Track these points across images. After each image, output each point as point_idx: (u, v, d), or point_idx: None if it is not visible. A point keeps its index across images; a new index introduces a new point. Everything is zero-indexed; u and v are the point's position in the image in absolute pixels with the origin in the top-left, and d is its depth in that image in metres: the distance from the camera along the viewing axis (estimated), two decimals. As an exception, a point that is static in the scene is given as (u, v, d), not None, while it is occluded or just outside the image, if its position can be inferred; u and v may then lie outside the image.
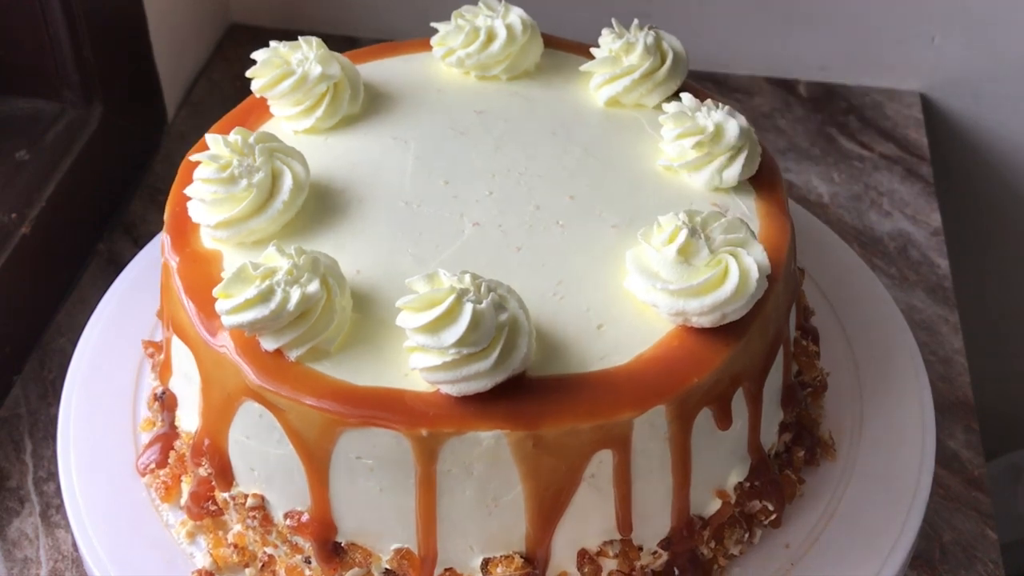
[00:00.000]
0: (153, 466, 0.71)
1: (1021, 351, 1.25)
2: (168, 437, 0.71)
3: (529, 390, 0.57)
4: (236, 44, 1.22)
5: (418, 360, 0.56)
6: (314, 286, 0.58)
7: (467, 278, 0.57)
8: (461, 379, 0.55)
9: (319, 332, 0.58)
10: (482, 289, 0.57)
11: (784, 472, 0.70)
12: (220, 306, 0.58)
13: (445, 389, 0.56)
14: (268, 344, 0.58)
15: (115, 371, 0.77)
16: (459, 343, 0.54)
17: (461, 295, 0.56)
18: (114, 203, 1.01)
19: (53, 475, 0.78)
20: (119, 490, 0.71)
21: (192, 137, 0.97)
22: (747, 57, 1.17)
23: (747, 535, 0.67)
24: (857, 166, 1.08)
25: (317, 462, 0.59)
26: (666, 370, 0.58)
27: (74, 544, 0.72)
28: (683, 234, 0.60)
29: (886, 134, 1.11)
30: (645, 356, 0.59)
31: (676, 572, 0.65)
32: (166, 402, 0.70)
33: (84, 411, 0.75)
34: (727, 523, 0.66)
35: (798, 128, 1.12)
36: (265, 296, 0.57)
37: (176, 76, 1.12)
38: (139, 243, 0.93)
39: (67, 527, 0.72)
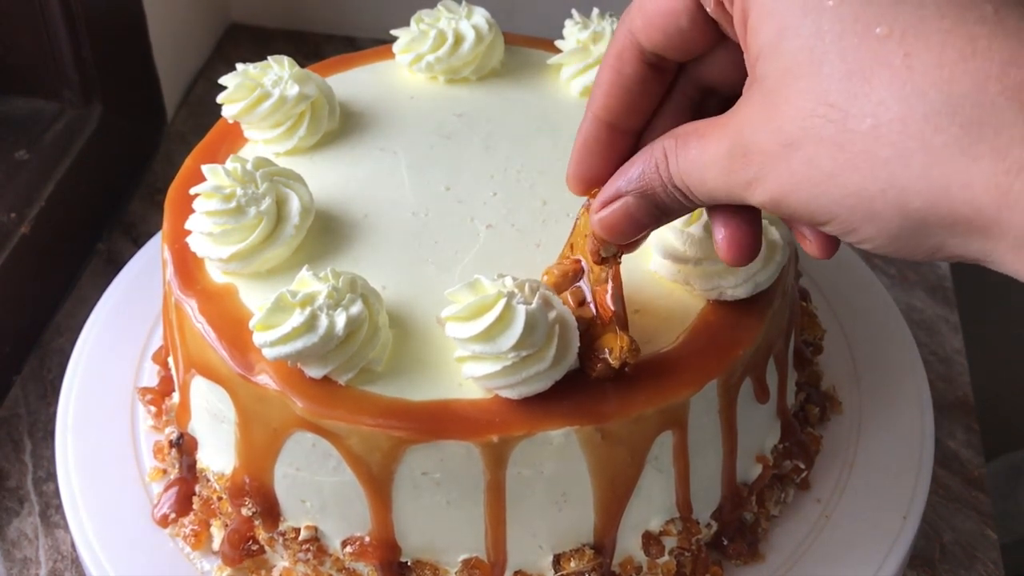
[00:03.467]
0: (173, 515, 0.69)
1: (1021, 351, 1.22)
2: (186, 482, 0.69)
3: (586, 384, 0.57)
4: (236, 44, 1.21)
5: (473, 369, 0.56)
6: (357, 307, 0.57)
7: (509, 281, 0.57)
8: (521, 382, 0.55)
9: (366, 353, 0.57)
10: (526, 290, 0.57)
11: (806, 430, 0.72)
12: (261, 339, 0.56)
13: (504, 394, 0.56)
14: (315, 372, 0.57)
15: (113, 370, 0.76)
16: (517, 347, 0.54)
17: (510, 299, 0.55)
18: (113, 203, 1.00)
19: (52, 475, 0.77)
20: (117, 490, 0.70)
21: (191, 137, 0.94)
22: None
23: (783, 495, 0.69)
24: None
25: (379, 483, 0.58)
26: (713, 346, 0.59)
27: (73, 544, 0.71)
28: (706, 211, 0.61)
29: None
30: (687, 335, 0.60)
31: (724, 542, 0.66)
32: (184, 446, 0.68)
33: (82, 411, 0.74)
34: (767, 486, 0.68)
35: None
36: (310, 323, 0.56)
37: (176, 76, 1.11)
38: (138, 243, 0.92)
39: (66, 527, 0.71)
